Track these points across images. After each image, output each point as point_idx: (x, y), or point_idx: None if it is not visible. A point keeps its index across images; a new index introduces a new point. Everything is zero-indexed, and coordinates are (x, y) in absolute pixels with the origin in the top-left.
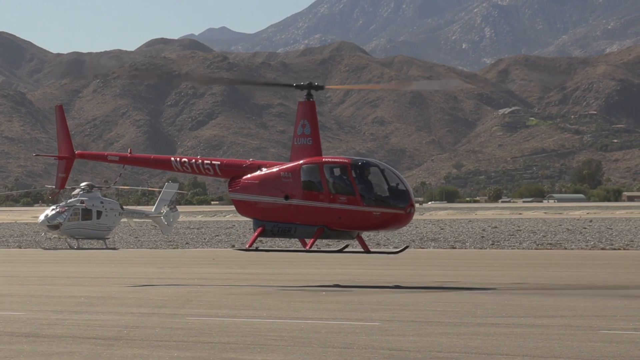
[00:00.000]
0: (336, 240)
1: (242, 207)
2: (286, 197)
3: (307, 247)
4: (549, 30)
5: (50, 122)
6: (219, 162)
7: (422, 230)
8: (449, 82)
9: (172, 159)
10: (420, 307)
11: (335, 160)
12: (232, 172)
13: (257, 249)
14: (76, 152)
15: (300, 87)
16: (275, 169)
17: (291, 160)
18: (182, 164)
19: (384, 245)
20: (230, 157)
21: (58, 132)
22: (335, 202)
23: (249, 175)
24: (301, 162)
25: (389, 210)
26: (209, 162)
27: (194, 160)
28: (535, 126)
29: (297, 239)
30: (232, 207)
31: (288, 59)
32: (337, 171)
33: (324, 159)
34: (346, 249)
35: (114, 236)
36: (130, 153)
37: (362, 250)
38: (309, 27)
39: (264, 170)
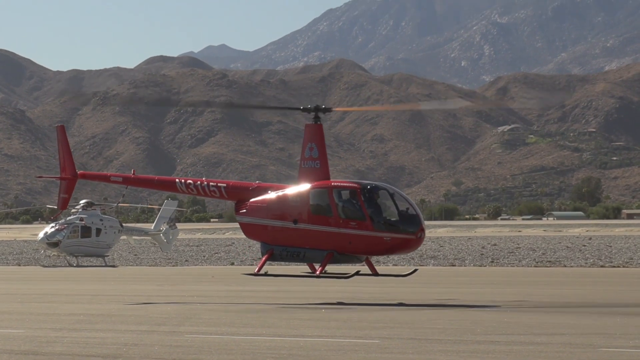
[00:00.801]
0: (345, 264)
1: (250, 231)
2: (295, 221)
3: (317, 273)
4: (548, 48)
5: (50, 139)
6: (224, 185)
7: (422, 248)
8: (456, 102)
9: (177, 180)
10: (420, 324)
11: (345, 184)
12: (239, 195)
13: (266, 274)
14: (78, 173)
15: (307, 110)
16: (283, 192)
17: (298, 183)
18: (187, 185)
19: (384, 264)
20: (229, 175)
21: (60, 153)
22: (345, 226)
23: (256, 198)
24: (310, 186)
25: (399, 235)
26: (214, 184)
27: (199, 182)
28: (534, 144)
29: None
30: (232, 225)
31: (287, 76)
32: (346, 195)
33: (333, 183)
34: (358, 274)
35: (113, 254)
36: (133, 174)
37: (370, 273)
38: (308, 45)
39: (272, 193)
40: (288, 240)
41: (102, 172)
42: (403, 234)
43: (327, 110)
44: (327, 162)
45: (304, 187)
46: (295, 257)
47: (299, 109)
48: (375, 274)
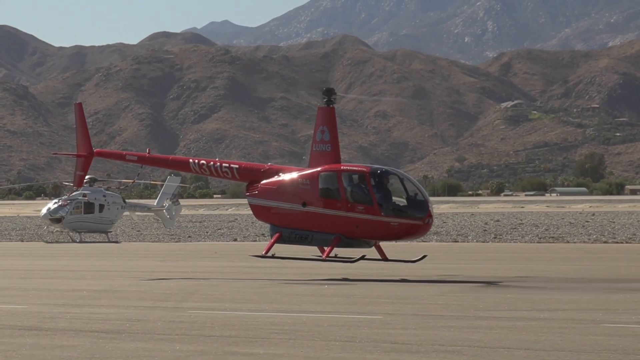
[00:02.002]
0: (354, 248)
1: (260, 212)
2: (304, 204)
3: (324, 256)
4: (551, 24)
5: (53, 115)
6: (237, 166)
7: None
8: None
9: (190, 160)
10: (423, 300)
11: (354, 168)
12: (250, 177)
13: (273, 256)
14: (95, 151)
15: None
16: (293, 175)
17: (310, 167)
18: (200, 166)
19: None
20: (232, 151)
21: (77, 130)
22: (352, 210)
23: (267, 180)
24: (319, 169)
25: (407, 220)
26: (227, 165)
27: (212, 163)
28: (537, 120)
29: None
30: (234, 201)
31: (290, 52)
32: (355, 179)
33: (342, 167)
34: (363, 259)
35: (116, 229)
36: (148, 153)
37: (379, 258)
38: (311, 21)
39: (282, 176)
40: (296, 223)
41: (117, 151)
42: (411, 219)
43: (335, 94)
44: (338, 145)
45: (313, 170)
46: (303, 240)
47: (311, 92)
48: (384, 259)
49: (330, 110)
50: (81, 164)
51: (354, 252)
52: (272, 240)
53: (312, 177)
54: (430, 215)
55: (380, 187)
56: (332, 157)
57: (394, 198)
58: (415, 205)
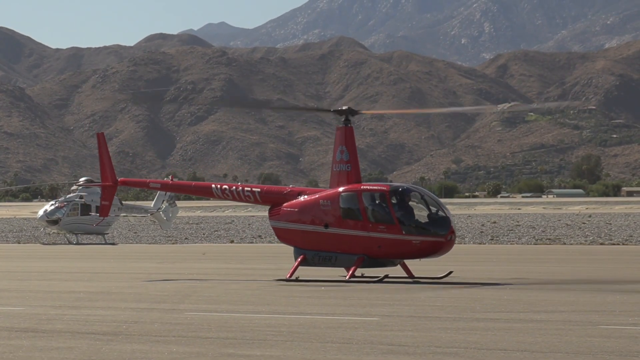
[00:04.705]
0: (379, 267)
1: (283, 235)
2: (326, 226)
3: (347, 277)
4: (548, 26)
5: (49, 117)
6: (259, 189)
7: None
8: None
9: (213, 186)
10: (419, 302)
11: (374, 187)
12: (273, 199)
13: (297, 279)
14: (119, 180)
15: (339, 113)
16: (314, 197)
17: (330, 187)
18: (223, 191)
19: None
20: (229, 152)
21: (101, 160)
22: (374, 230)
23: (288, 203)
24: (340, 189)
25: (429, 238)
26: (249, 189)
27: (234, 187)
28: (534, 121)
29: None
30: (231, 203)
31: (287, 54)
32: (375, 198)
33: (362, 187)
34: (387, 278)
35: (113, 231)
36: (172, 179)
37: (405, 276)
38: (308, 23)
39: (304, 198)
40: (320, 244)
41: (141, 179)
42: (432, 236)
43: (355, 112)
44: (358, 164)
45: (334, 190)
46: (327, 262)
47: (330, 110)
48: (411, 277)
49: (349, 130)
50: (106, 193)
51: (380, 272)
52: (296, 263)
53: (333, 198)
54: (452, 232)
55: (401, 206)
56: (353, 176)
57: (415, 216)
58: (437, 222)
